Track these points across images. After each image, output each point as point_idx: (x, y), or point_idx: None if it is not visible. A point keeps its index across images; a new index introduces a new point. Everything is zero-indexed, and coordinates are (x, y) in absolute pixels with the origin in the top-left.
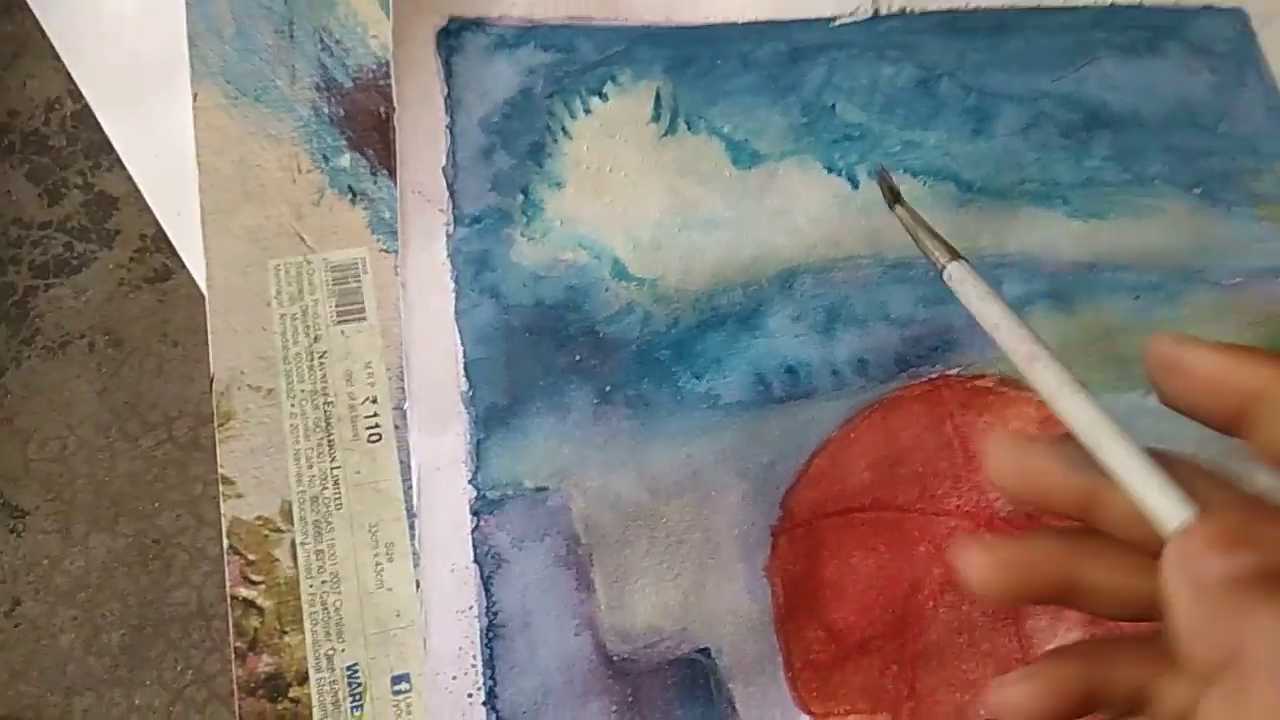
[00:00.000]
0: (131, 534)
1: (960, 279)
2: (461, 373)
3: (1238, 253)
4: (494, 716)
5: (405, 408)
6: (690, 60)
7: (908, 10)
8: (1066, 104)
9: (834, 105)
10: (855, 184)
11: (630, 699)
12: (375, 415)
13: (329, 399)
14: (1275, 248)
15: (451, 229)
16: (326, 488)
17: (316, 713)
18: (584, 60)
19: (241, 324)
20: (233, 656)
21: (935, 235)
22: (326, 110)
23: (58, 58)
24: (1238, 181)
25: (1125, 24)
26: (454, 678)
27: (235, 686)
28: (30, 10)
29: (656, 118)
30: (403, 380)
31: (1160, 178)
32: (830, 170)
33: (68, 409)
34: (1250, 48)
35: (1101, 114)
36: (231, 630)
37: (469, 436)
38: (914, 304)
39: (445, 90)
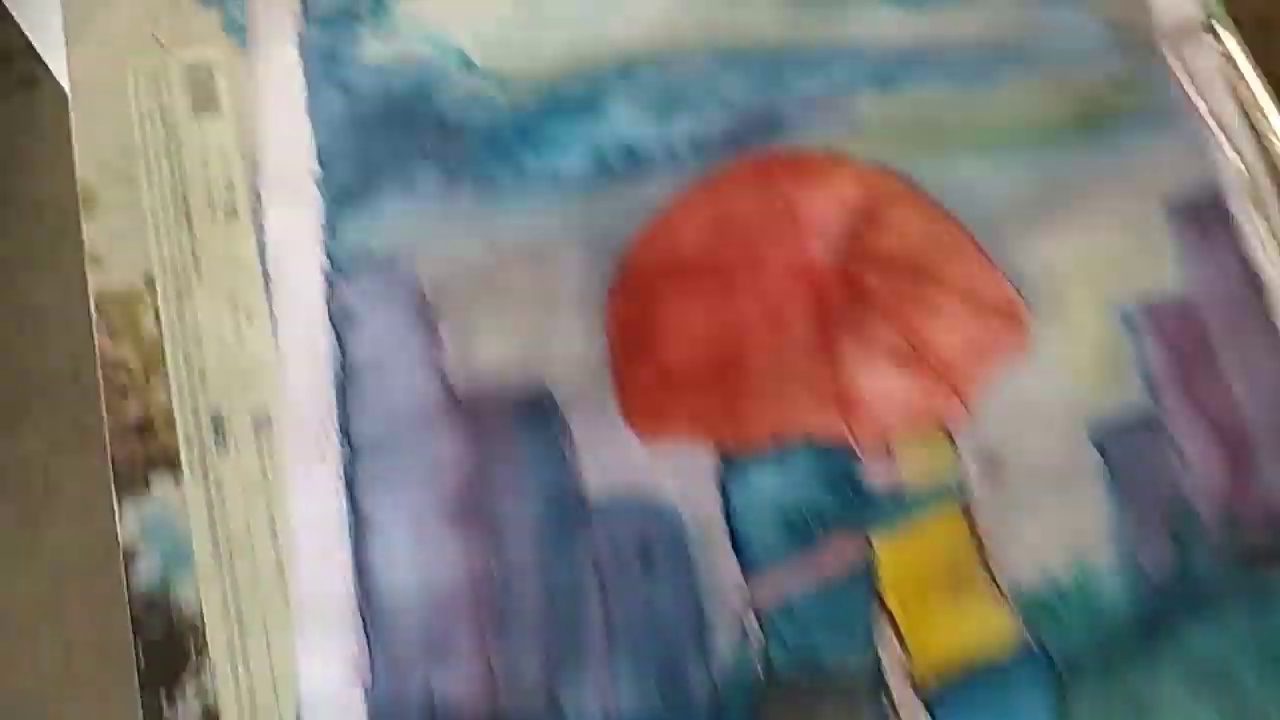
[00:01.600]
0: (8, 310)
1: None
2: (314, 158)
3: (1053, 37)
4: (347, 446)
5: (260, 189)
6: None
7: None
8: None
9: None
10: None
11: (476, 429)
12: (232, 195)
13: (186, 181)
14: (1091, 32)
15: (303, 28)
16: (187, 261)
17: (184, 451)
18: None
19: (104, 121)
20: (103, 406)
21: None
22: None
23: None
24: None
25: None
26: (310, 415)
27: (108, 432)
28: None
29: None
30: (258, 166)
31: None
32: None
33: None
34: None
35: None
36: (103, 383)
37: (322, 212)
38: (748, 89)
39: None
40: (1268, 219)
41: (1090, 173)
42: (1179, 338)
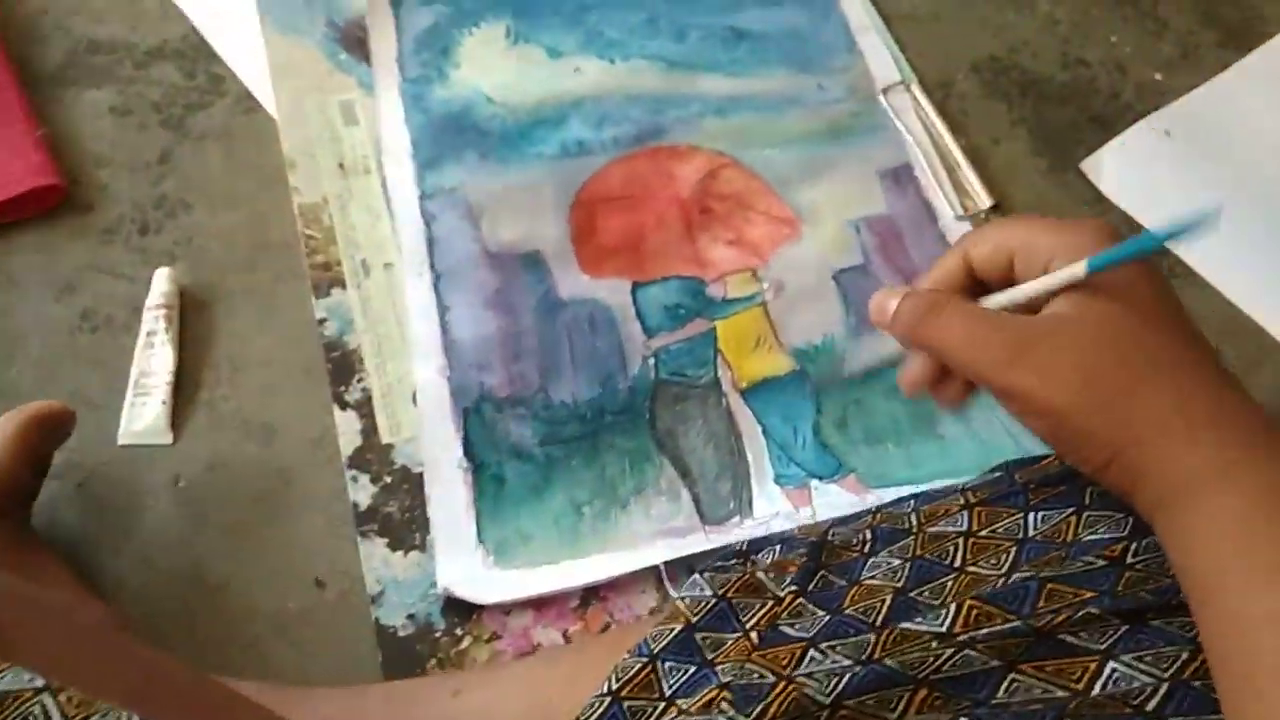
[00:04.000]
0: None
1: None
2: (410, 144)
3: (816, 91)
4: (433, 272)
5: (383, 159)
6: (523, 12)
7: None
8: (726, 28)
9: (602, 31)
10: (613, 62)
11: (500, 267)
12: (367, 162)
13: (342, 155)
14: (838, 89)
15: (400, 84)
16: (344, 191)
17: (347, 278)
18: (465, 11)
19: (295, 128)
20: (304, 258)
21: None
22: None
23: None
24: (821, 61)
25: None
26: (414, 259)
27: (307, 268)
28: None
29: (506, 37)
30: (381, 149)
31: (778, 60)
32: (600, 58)
33: None
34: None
35: (746, 33)
36: (303, 246)
37: (415, 170)
38: (645, 114)
39: (397, 22)
40: (938, 182)
41: (837, 157)
42: (884, 233)
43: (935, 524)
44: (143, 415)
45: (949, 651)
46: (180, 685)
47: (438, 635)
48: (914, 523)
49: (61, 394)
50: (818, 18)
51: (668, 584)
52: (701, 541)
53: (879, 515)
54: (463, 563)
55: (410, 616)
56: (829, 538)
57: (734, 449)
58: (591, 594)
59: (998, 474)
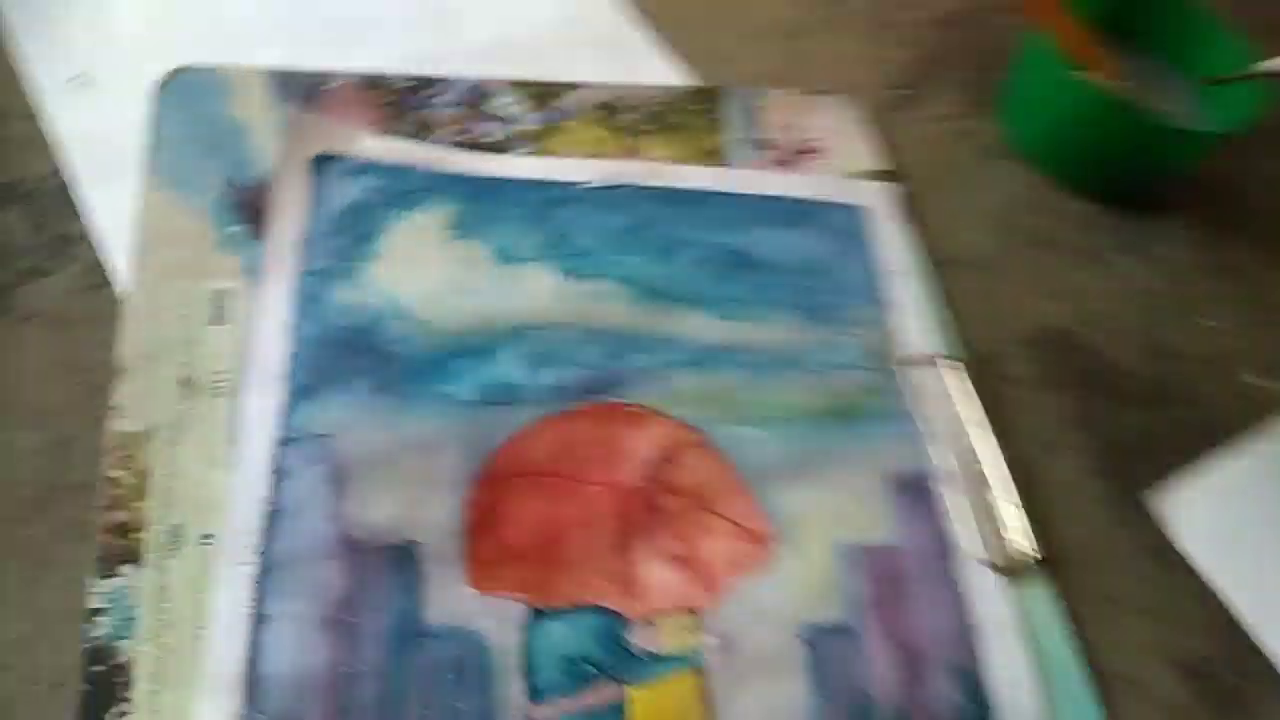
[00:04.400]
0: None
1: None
2: (284, 363)
3: (822, 350)
4: (260, 559)
5: (242, 379)
6: (479, 197)
7: (628, 184)
8: (726, 250)
9: (570, 235)
10: (577, 279)
11: (357, 562)
12: (223, 381)
13: (194, 368)
14: (851, 351)
15: (297, 277)
16: (181, 420)
17: (150, 549)
18: (405, 189)
19: (145, 320)
20: (100, 512)
21: None
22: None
23: None
24: (837, 310)
25: (781, 209)
26: (241, 537)
27: (99, 530)
28: None
29: (449, 227)
30: (244, 364)
31: (783, 302)
32: (562, 273)
33: None
34: (861, 228)
35: (748, 259)
36: (101, 495)
37: (283, 400)
38: (599, 357)
39: (313, 192)
40: (962, 508)
41: (836, 450)
42: (882, 575)
43: None
44: None
45: None
46: None
47: None
48: None
49: None
50: (842, 250)
51: None
52: None
53: None
54: None
55: None
56: None
57: None
58: None
59: None
